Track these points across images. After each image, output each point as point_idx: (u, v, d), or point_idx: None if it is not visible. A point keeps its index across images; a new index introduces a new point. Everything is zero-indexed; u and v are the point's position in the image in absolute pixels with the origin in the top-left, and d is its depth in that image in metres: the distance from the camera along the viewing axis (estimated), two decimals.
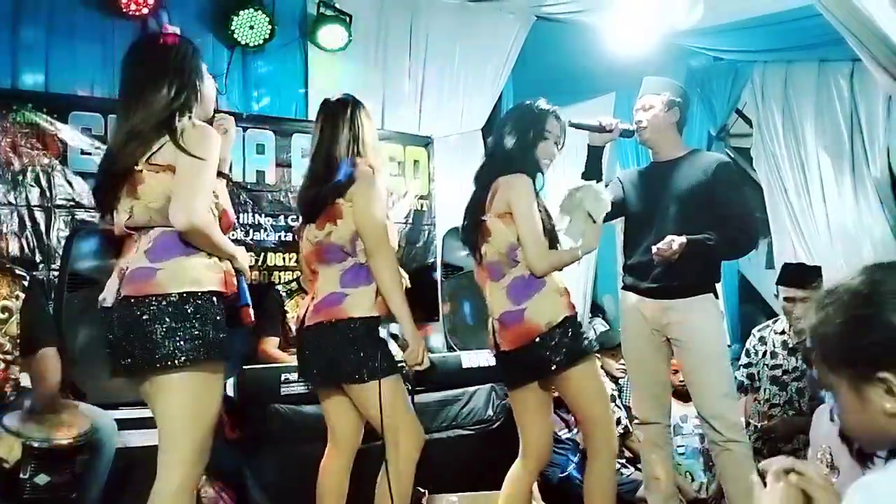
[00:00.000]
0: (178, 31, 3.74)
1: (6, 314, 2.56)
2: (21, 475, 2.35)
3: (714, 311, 2.81)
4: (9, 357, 2.55)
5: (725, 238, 2.75)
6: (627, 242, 2.99)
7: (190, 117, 2.00)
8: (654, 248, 2.70)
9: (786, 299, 3.56)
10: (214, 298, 1.95)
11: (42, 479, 2.40)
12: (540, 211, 2.47)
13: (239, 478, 2.93)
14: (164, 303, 1.89)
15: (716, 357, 2.75)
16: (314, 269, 2.42)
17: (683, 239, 2.66)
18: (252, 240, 4.04)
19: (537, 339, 2.37)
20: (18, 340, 2.57)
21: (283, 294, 3.65)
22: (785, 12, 4.28)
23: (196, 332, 1.89)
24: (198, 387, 1.93)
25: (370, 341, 2.29)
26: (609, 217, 2.99)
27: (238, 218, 4.00)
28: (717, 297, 2.84)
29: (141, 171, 1.97)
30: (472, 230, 2.55)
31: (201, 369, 1.91)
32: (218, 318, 1.94)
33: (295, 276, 3.90)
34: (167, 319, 1.88)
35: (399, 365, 2.38)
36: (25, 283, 2.63)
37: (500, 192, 2.45)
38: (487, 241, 2.49)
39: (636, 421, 2.97)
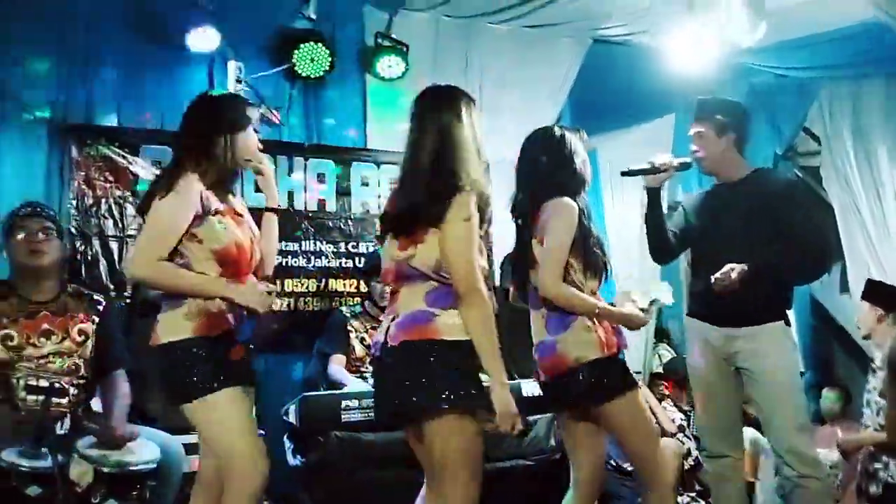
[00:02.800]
0: (241, 66, 3.88)
1: (83, 337, 2.66)
2: (92, 500, 2.42)
3: (785, 339, 2.69)
4: (82, 381, 2.64)
5: (793, 262, 2.65)
6: (693, 268, 2.90)
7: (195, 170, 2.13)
8: (712, 278, 2.62)
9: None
10: (192, 344, 2.08)
11: (112, 503, 2.47)
12: (590, 236, 2.41)
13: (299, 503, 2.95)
14: (158, 352, 2.12)
15: (788, 388, 2.64)
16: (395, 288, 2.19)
17: (744, 266, 2.57)
18: (313, 266, 4.11)
19: (566, 373, 2.33)
20: (92, 364, 2.66)
21: (348, 314, 3.71)
22: (850, 27, 4.17)
23: (176, 379, 2.09)
24: (210, 414, 2.10)
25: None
26: (676, 249, 2.94)
27: (300, 245, 4.09)
28: (788, 324, 2.73)
29: None
30: (520, 256, 2.51)
31: (194, 405, 2.08)
32: (193, 362, 2.07)
33: (357, 302, 3.95)
34: (165, 365, 2.11)
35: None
36: (100, 308, 2.73)
37: (542, 216, 2.40)
38: (534, 269, 2.43)
39: (704, 453, 2.87)
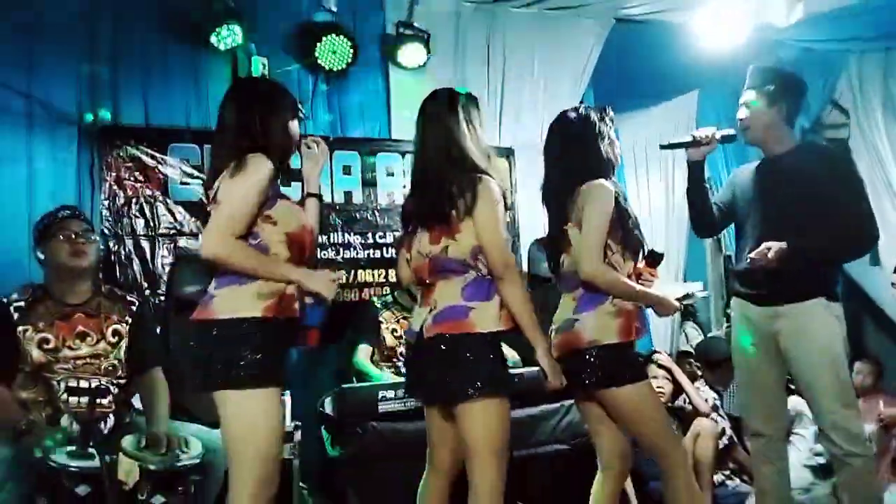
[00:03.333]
0: (265, 61, 3.90)
1: (116, 338, 2.69)
2: (139, 496, 2.46)
3: (828, 316, 2.63)
4: (122, 381, 2.68)
5: (838, 238, 2.60)
6: (737, 247, 2.85)
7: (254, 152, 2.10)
8: (748, 257, 2.59)
9: None
10: (257, 324, 2.02)
11: (158, 499, 2.49)
12: (627, 218, 2.39)
13: (338, 495, 2.98)
14: (214, 327, 2.03)
15: (832, 365, 2.59)
16: (429, 281, 2.30)
17: (782, 244, 2.53)
18: (342, 258, 4.13)
19: (575, 353, 2.33)
20: (127, 362, 2.70)
21: (379, 305, 3.72)
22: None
23: (230, 357, 1.99)
24: (239, 408, 2.02)
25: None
26: (719, 224, 2.92)
27: (328, 238, 4.10)
28: (833, 299, 2.66)
29: (210, 208, 2.14)
30: (556, 241, 2.50)
31: (241, 390, 2.00)
32: (258, 342, 2.01)
33: (387, 292, 3.97)
34: (212, 343, 2.02)
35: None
36: (134, 308, 2.76)
37: (580, 199, 2.38)
38: (567, 252, 2.44)
39: (749, 434, 2.85)
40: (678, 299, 2.49)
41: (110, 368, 2.64)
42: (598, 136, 2.44)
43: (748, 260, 2.59)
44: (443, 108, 2.29)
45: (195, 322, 2.08)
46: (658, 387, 3.63)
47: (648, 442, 2.40)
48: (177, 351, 3.09)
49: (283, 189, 2.24)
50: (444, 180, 2.22)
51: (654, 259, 2.46)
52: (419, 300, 2.37)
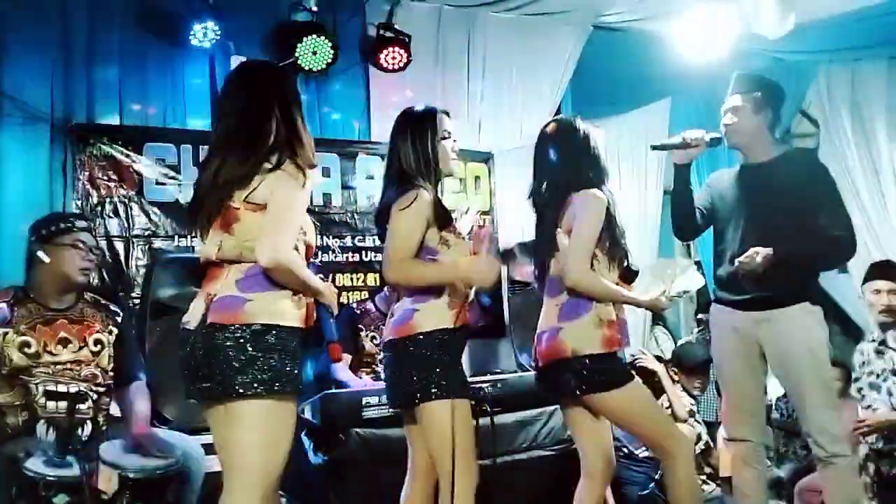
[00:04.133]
0: (243, 60, 3.82)
1: (98, 347, 2.63)
2: None
3: (812, 321, 2.68)
4: (101, 389, 2.61)
5: (821, 247, 2.66)
6: (717, 252, 2.87)
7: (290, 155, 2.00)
8: (735, 262, 2.63)
9: (874, 291, 3.45)
10: (295, 333, 1.97)
11: None
12: (615, 228, 2.43)
13: (320, 501, 2.95)
14: (248, 332, 1.92)
15: (817, 367, 2.65)
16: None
17: (769, 251, 2.57)
18: (320, 261, 4.09)
19: (561, 362, 2.36)
20: (111, 373, 2.64)
21: (357, 313, 3.68)
22: (852, 12, 4.18)
23: (274, 364, 1.91)
24: (270, 418, 1.94)
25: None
26: (701, 227, 2.95)
27: None
28: (816, 303, 2.71)
29: (238, 208, 1.99)
30: (543, 245, 2.52)
31: (276, 400, 1.93)
32: (296, 352, 1.97)
33: (364, 297, 3.94)
34: (249, 349, 1.91)
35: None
36: (119, 319, 2.70)
37: (572, 206, 2.42)
38: (554, 256, 2.47)
39: (725, 437, 2.89)
40: (673, 296, 2.52)
41: (90, 375, 2.57)
42: (592, 146, 2.48)
43: (736, 264, 2.62)
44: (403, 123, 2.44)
45: (224, 325, 1.93)
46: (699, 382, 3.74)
47: (649, 439, 2.48)
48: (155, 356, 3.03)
49: None
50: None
51: (630, 276, 2.49)
52: None
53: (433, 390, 2.20)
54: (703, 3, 3.77)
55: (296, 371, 1.95)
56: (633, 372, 3.72)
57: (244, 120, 2.02)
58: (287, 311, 1.96)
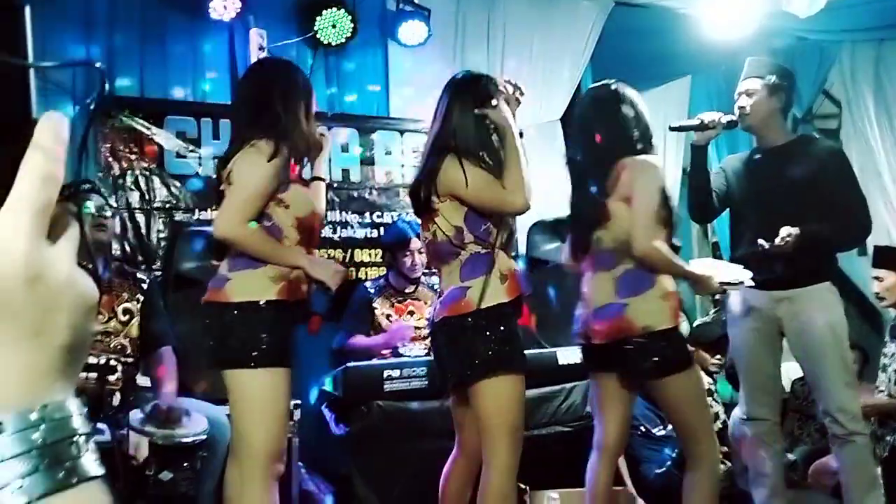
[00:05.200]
0: (263, 33, 3.82)
1: (127, 317, 2.66)
2: (147, 472, 2.44)
3: (831, 300, 2.70)
4: (129, 360, 2.65)
5: (838, 228, 2.67)
6: (734, 234, 2.90)
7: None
8: (764, 243, 2.61)
9: (875, 279, 3.49)
10: (268, 308, 2.07)
11: (165, 475, 2.49)
12: (667, 196, 2.38)
13: (342, 473, 2.98)
14: (225, 310, 2.06)
15: (836, 348, 2.66)
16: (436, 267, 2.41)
17: (797, 230, 2.57)
18: (339, 237, 4.09)
19: (631, 341, 2.28)
20: (139, 341, 2.67)
21: (372, 291, 3.67)
22: None
23: (247, 338, 2.04)
24: (246, 387, 2.07)
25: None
26: (717, 210, 2.94)
27: (326, 216, 4.05)
28: (835, 283, 2.73)
29: (224, 186, 2.13)
30: (588, 216, 2.40)
31: (260, 372, 2.05)
32: (273, 325, 2.06)
33: (382, 273, 3.94)
34: (226, 324, 2.06)
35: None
36: (144, 286, 2.73)
37: (627, 173, 2.32)
38: (605, 227, 2.36)
39: (742, 416, 2.90)
40: (725, 283, 2.47)
41: (119, 347, 2.61)
42: (640, 112, 2.41)
43: (771, 245, 2.60)
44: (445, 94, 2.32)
45: (209, 304, 2.11)
46: (717, 359, 3.71)
47: (689, 428, 2.38)
48: (179, 327, 3.05)
49: None
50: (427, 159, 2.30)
51: (673, 250, 2.44)
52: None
53: (488, 366, 2.16)
54: None
55: (271, 340, 2.04)
56: None
57: (245, 106, 2.21)
58: (261, 287, 2.06)
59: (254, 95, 2.18)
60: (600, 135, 2.41)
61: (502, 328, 2.19)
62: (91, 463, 0.39)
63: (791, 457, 3.74)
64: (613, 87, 2.46)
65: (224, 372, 2.10)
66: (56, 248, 0.41)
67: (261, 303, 2.05)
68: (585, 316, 2.44)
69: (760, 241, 2.61)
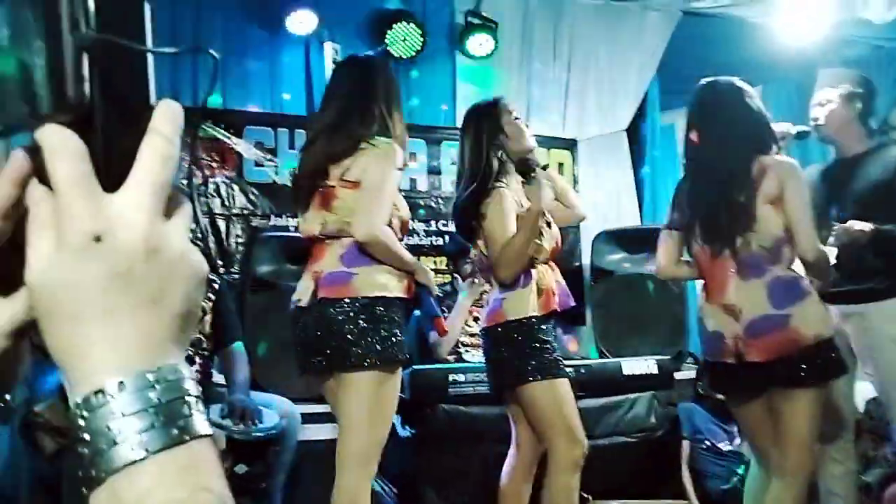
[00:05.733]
0: (337, 47, 3.96)
1: (201, 314, 2.80)
2: (223, 464, 2.56)
3: None
4: (205, 353, 2.79)
5: None
6: None
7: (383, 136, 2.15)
8: (834, 229, 2.54)
9: None
10: (400, 304, 2.11)
11: (241, 468, 2.61)
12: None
13: (407, 474, 3.06)
14: (357, 305, 2.04)
15: None
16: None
17: (870, 225, 2.51)
18: (405, 244, 4.17)
19: (803, 353, 2.11)
20: (212, 338, 2.81)
21: (441, 294, 3.77)
22: None
23: (385, 334, 2.04)
24: (381, 386, 2.07)
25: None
26: None
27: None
28: None
29: (334, 186, 2.13)
30: (727, 215, 2.20)
31: (386, 369, 2.06)
32: (402, 322, 2.11)
33: (448, 280, 4.03)
34: (360, 321, 2.03)
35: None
36: (216, 286, 2.87)
37: (772, 173, 2.16)
38: (752, 230, 2.17)
39: None
40: None
41: (195, 340, 2.75)
42: (764, 110, 2.30)
43: (835, 232, 2.54)
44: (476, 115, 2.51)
45: (331, 298, 2.05)
46: None
47: (808, 438, 2.19)
48: (252, 328, 3.19)
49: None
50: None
51: None
52: None
53: (529, 373, 2.30)
54: None
55: (402, 340, 2.09)
56: None
57: (350, 103, 2.18)
58: (390, 283, 2.09)
59: (358, 93, 2.19)
60: (732, 130, 2.24)
61: (532, 339, 2.31)
62: (201, 422, 0.42)
63: (865, 479, 3.63)
64: (734, 82, 2.32)
65: (348, 375, 2.05)
66: (171, 224, 0.44)
67: (393, 297, 2.08)
68: (732, 331, 2.20)
69: (837, 227, 2.54)
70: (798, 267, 2.25)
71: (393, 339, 2.05)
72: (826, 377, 2.19)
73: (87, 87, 0.43)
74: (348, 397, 2.07)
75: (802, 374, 2.11)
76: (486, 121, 2.47)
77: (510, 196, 2.39)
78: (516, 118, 2.51)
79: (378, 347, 2.03)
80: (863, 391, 3.34)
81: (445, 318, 3.60)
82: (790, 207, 2.16)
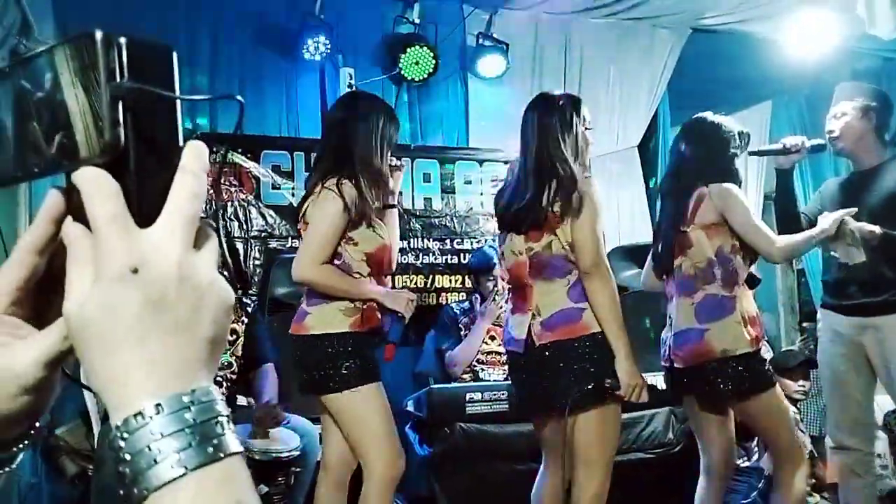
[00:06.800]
0: (351, 71, 4.04)
1: (233, 336, 2.87)
2: None
3: None
4: (233, 376, 2.86)
5: None
6: (825, 258, 2.88)
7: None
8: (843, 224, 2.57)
9: None
10: (345, 338, 2.23)
11: (262, 489, 2.65)
12: None
13: (425, 493, 3.08)
14: (307, 341, 2.26)
15: None
16: (527, 283, 2.33)
17: (878, 228, 2.54)
18: (421, 263, 4.24)
19: (710, 365, 2.35)
20: (242, 360, 2.87)
21: (457, 311, 3.79)
22: None
23: (328, 367, 2.22)
24: (354, 404, 2.24)
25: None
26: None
27: (408, 243, 4.21)
28: None
29: (300, 227, 2.38)
30: (668, 241, 2.51)
31: (351, 392, 2.22)
32: (351, 352, 2.22)
33: (463, 298, 4.06)
34: (309, 354, 2.26)
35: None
36: (249, 310, 2.94)
37: (709, 201, 2.42)
38: (685, 254, 2.45)
39: (831, 446, 2.84)
40: None
41: (225, 364, 2.81)
42: (731, 145, 2.49)
43: (843, 223, 2.59)
44: (555, 108, 2.32)
45: (295, 335, 2.31)
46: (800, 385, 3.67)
47: (780, 445, 2.46)
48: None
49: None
50: (543, 175, 2.27)
51: (753, 283, 2.49)
52: (511, 304, 2.43)
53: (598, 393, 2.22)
54: (810, 5, 3.69)
55: (352, 363, 2.21)
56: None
57: (326, 143, 2.41)
58: (335, 320, 2.23)
59: (335, 136, 2.36)
60: (693, 160, 2.50)
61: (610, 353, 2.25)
62: (233, 441, 0.45)
63: (893, 484, 3.59)
64: (710, 117, 2.56)
65: (325, 398, 2.28)
66: (201, 255, 0.47)
67: (335, 334, 2.23)
68: (668, 338, 2.52)
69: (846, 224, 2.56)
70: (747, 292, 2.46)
71: (339, 368, 2.21)
72: (738, 392, 2.34)
73: (121, 132, 0.46)
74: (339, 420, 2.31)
75: (714, 386, 2.36)
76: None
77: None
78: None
79: (323, 375, 2.23)
80: (882, 404, 3.33)
81: (447, 349, 3.63)
82: (736, 227, 2.38)
